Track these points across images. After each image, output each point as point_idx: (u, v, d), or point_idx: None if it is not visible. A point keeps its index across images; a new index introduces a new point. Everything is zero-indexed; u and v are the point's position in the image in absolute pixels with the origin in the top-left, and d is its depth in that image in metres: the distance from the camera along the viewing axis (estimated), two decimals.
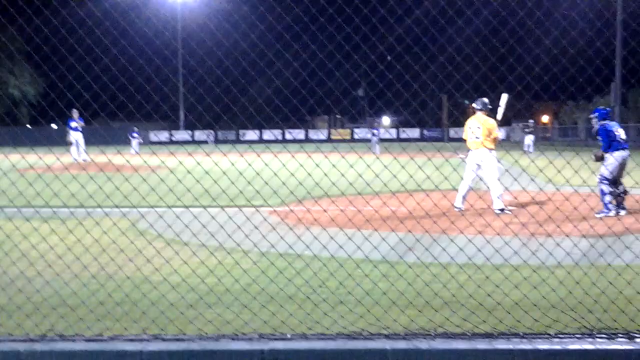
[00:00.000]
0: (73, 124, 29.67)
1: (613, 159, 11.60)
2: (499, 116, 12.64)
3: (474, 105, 12.54)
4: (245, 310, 5.49)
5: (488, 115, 12.41)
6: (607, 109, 12.42)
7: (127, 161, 6.06)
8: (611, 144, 11.66)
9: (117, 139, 41.47)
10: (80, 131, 30.00)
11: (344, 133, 71.84)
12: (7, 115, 70.28)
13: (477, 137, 12.17)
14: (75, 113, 28.55)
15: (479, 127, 12.19)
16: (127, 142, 41.27)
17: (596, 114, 12.20)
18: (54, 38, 6.02)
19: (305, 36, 6.05)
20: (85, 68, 6.35)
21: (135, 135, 42.78)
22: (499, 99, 12.79)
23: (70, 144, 29.58)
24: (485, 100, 12.48)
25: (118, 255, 6.71)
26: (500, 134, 12.52)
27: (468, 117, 12.90)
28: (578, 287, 5.84)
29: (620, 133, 11.84)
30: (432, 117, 66.25)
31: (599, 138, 11.92)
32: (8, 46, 53.21)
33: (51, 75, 6.37)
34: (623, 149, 11.70)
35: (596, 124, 12.12)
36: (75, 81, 6.28)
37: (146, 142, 56.65)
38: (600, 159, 11.79)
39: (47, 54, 6.25)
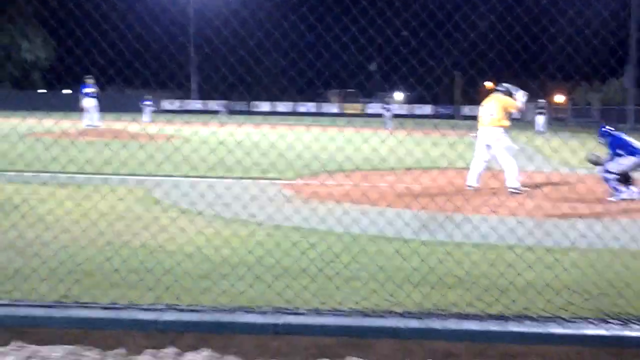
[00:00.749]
0: (86, 90, 29.47)
1: (628, 160, 11.52)
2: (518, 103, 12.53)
3: (497, 87, 12.44)
4: (259, 282, 5.51)
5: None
6: (602, 125, 12.35)
7: (143, 129, 6.06)
8: (632, 150, 11.59)
9: (131, 106, 41.45)
10: (95, 97, 29.78)
11: (357, 107, 71.53)
12: (21, 79, 70.46)
13: (491, 115, 12.03)
14: (90, 79, 28.37)
15: (492, 104, 12.07)
16: (140, 110, 41.19)
17: (601, 139, 12.17)
18: (70, 2, 6.00)
19: (321, 8, 5.99)
20: (101, 34, 6.32)
21: (147, 103, 42.58)
22: (512, 84, 12.68)
23: (84, 109, 29.43)
24: (509, 86, 12.38)
25: (133, 223, 6.74)
26: (523, 98, 12.33)
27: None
28: (592, 270, 5.83)
29: (632, 140, 11.80)
30: (446, 93, 65.92)
31: (621, 151, 11.80)
32: (22, 9, 53.17)
33: (66, 40, 6.36)
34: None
35: (606, 143, 12.05)
36: (89, 47, 6.27)
37: (159, 110, 56.68)
38: (595, 163, 11.71)
39: (62, 18, 6.23)
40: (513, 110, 12.04)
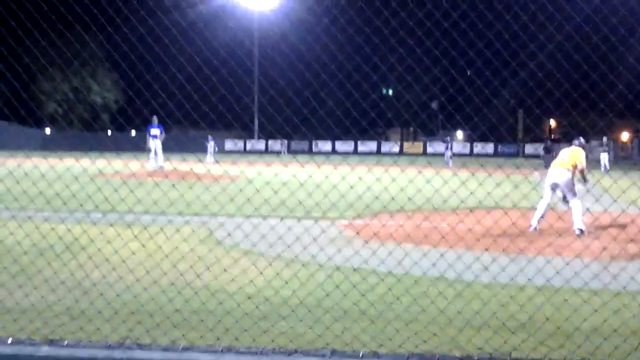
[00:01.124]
0: (152, 131, 30.04)
1: None
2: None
3: (573, 141, 13.13)
4: (318, 324, 5.51)
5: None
6: None
7: (208, 170, 6.20)
8: None
9: (196, 146, 42.23)
10: (158, 138, 30.29)
11: (417, 146, 71.26)
12: (91, 121, 72.90)
13: (563, 159, 12.44)
14: (155, 119, 29.01)
15: (569, 153, 12.50)
16: (204, 150, 41.91)
17: None
18: (140, 47, 6.23)
19: (384, 48, 6.05)
20: (170, 77, 6.53)
21: (211, 143, 43.23)
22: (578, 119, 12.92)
23: (149, 150, 29.99)
24: (582, 139, 12.93)
25: (196, 263, 6.85)
26: (586, 169, 12.72)
27: (544, 133, 13.12)
28: None
29: None
30: (509, 132, 65.12)
31: None
32: (94, 53, 55.26)
33: (135, 83, 6.59)
34: None
35: None
36: (158, 89, 6.47)
37: (222, 151, 57.69)
38: None
39: (132, 61, 6.46)
40: (578, 165, 12.41)
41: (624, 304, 5.82)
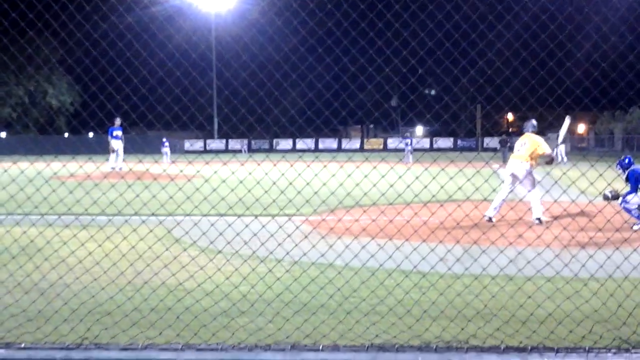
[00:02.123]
0: (115, 133, 29.90)
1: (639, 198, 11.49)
2: (560, 139, 12.78)
3: (523, 129, 12.97)
4: (278, 318, 5.56)
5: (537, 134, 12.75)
6: (627, 157, 12.31)
7: (164, 170, 6.19)
8: None
9: (152, 147, 41.98)
10: (121, 139, 30.21)
11: (377, 142, 71.70)
12: (45, 124, 71.70)
13: (519, 151, 12.46)
14: (117, 121, 28.84)
15: (525, 143, 12.51)
16: (159, 152, 41.65)
17: (619, 168, 12.14)
18: (94, 50, 6.19)
19: (337, 49, 6.12)
20: (124, 79, 6.51)
21: (165, 144, 42.94)
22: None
23: (113, 151, 29.79)
24: (534, 122, 12.85)
25: (153, 262, 6.84)
26: (549, 150, 12.62)
27: (500, 127, 13.20)
28: (612, 299, 5.81)
29: None
30: (465, 127, 65.93)
31: (629, 183, 11.81)
32: (48, 57, 54.44)
33: (91, 85, 6.55)
34: None
35: (623, 174, 12.05)
36: (113, 91, 6.45)
37: (181, 151, 57.27)
38: (614, 198, 11.65)
39: (87, 65, 6.43)
40: (540, 152, 12.36)
41: (576, 290, 5.99)
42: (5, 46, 7.84)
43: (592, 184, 5.68)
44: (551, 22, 5.87)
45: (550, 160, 12.81)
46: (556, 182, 6.36)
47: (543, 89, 6.04)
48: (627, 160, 12.05)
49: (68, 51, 6.70)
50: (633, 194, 11.51)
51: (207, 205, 7.84)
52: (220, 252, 7.66)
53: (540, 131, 12.97)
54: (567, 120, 12.70)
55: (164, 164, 30.15)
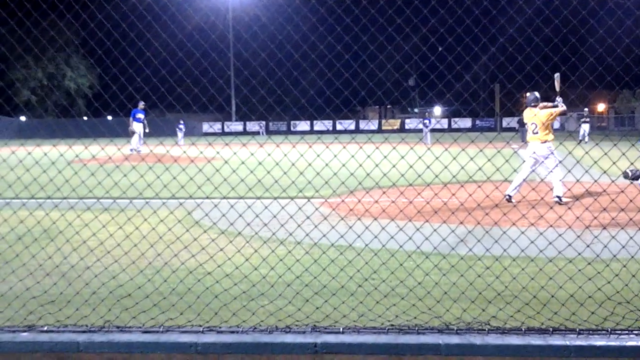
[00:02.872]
0: (138, 115, 30.12)
1: None
2: (558, 92, 12.55)
3: (528, 100, 12.66)
4: (298, 299, 5.58)
5: (543, 105, 12.46)
6: None
7: (184, 152, 6.21)
8: None
9: (172, 129, 42.40)
10: (142, 122, 30.46)
11: (395, 123, 71.50)
12: (66, 107, 72.18)
13: (534, 132, 12.33)
14: (141, 104, 29.06)
15: (534, 122, 12.33)
16: (175, 134, 42.18)
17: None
18: (114, 31, 6.19)
19: (355, 28, 6.07)
20: (144, 61, 6.51)
21: (181, 127, 43.63)
22: (552, 81, 12.65)
23: (133, 133, 30.03)
24: (536, 94, 12.56)
25: (174, 244, 6.88)
26: (562, 107, 12.34)
27: (520, 106, 13.03)
28: (634, 280, 5.76)
29: None
30: (484, 107, 65.47)
31: None
32: (68, 39, 54.71)
33: (111, 67, 6.56)
34: None
35: None
36: (132, 74, 6.45)
37: (199, 134, 57.45)
38: (635, 178, 11.52)
39: (105, 46, 6.44)
40: (553, 119, 12.18)
41: (598, 271, 5.94)
42: (28, 29, 7.86)
43: (614, 163, 5.59)
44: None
45: (564, 112, 12.54)
46: (578, 162, 6.29)
47: (564, 66, 5.96)
48: None
49: (88, 33, 6.70)
50: None
51: (226, 187, 7.86)
52: (240, 234, 7.68)
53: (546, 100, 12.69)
54: (556, 76, 12.51)
55: (181, 145, 30.40)
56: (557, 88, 12.33)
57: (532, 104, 12.58)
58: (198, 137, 45.12)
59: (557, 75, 12.32)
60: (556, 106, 12.35)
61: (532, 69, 6.45)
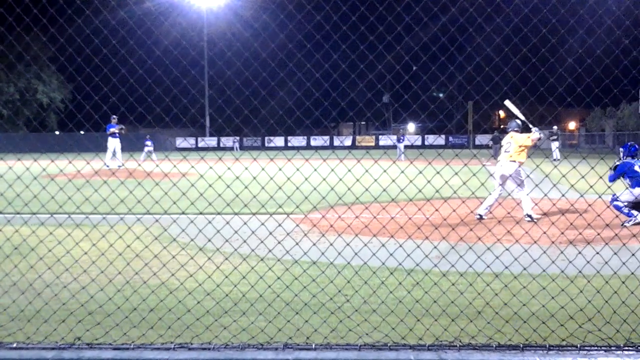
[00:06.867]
0: (112, 130, 29.91)
1: (630, 194, 11.59)
2: (522, 117, 12.96)
3: (507, 128, 13.33)
4: (277, 317, 5.61)
5: (521, 132, 13.00)
6: (635, 146, 12.32)
7: (157, 165, 6.20)
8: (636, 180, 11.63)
9: (143, 145, 41.57)
10: (118, 137, 30.23)
11: (369, 140, 71.82)
12: (36, 121, 71.37)
13: (506, 151, 12.78)
14: (114, 119, 28.90)
15: (510, 142, 12.80)
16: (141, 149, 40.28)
17: (623, 150, 12.25)
18: (85, 45, 6.19)
19: (326, 45, 6.15)
20: (115, 75, 6.51)
21: (147, 143, 40.85)
22: (507, 109, 13.21)
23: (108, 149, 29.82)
24: (517, 121, 13.19)
25: (151, 261, 6.84)
26: (537, 134, 12.76)
27: (493, 123, 13.53)
28: (598, 297, 5.84)
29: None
30: (457, 124, 66.05)
31: (613, 173, 11.94)
32: (38, 54, 54.20)
33: (82, 83, 6.55)
34: None
35: (619, 160, 12.12)
36: (104, 87, 6.45)
37: (172, 148, 57.09)
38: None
39: (77, 61, 6.43)
40: (530, 145, 12.62)
41: (562, 288, 5.99)
42: None
43: (583, 177, 5.68)
44: (541, 18, 5.92)
45: (539, 138, 12.93)
46: (546, 176, 6.41)
47: (533, 85, 6.08)
48: (632, 149, 12.08)
49: (59, 49, 6.70)
50: (625, 191, 11.63)
51: (203, 203, 7.88)
52: (218, 250, 7.69)
53: (525, 129, 13.16)
54: (507, 103, 12.93)
55: (140, 161, 30.11)
56: (517, 112, 12.70)
57: (515, 129, 13.09)
58: (170, 152, 44.64)
59: (506, 102, 12.71)
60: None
61: (504, 87, 6.57)
